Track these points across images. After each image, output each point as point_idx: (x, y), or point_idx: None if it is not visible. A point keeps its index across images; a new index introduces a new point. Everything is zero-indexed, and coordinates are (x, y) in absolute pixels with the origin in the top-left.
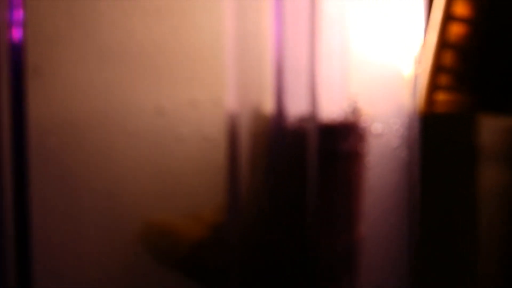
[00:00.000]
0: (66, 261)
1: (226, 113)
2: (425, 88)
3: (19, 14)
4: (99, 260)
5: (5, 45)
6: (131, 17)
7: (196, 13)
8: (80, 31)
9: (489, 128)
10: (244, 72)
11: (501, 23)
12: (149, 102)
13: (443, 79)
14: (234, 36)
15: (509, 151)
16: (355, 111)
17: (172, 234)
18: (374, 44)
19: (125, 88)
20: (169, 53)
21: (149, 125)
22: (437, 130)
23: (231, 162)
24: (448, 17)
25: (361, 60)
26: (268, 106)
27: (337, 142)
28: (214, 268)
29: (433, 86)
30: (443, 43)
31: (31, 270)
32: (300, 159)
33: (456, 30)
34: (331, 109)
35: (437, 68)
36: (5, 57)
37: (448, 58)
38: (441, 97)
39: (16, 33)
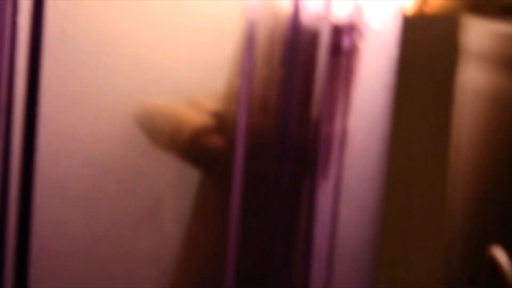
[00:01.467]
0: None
1: (245, 8)
2: None
3: None
4: (96, 139)
5: None
6: None
7: None
8: None
9: (477, 30)
10: None
11: None
12: None
13: None
14: None
15: (496, 55)
16: (357, 10)
17: (175, 118)
18: None
19: None
20: None
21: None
22: (425, 30)
23: (246, 56)
24: None
25: None
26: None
27: (345, 39)
28: (217, 154)
29: None
30: None
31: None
32: (312, 53)
33: None
34: (340, 10)
35: None
36: None
37: None
38: None
39: None
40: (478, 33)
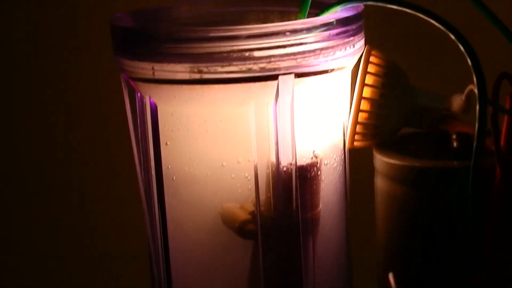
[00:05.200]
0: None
1: (254, 165)
2: (350, 137)
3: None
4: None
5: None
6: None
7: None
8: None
9: (380, 159)
10: (261, 148)
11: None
12: (218, 161)
13: (358, 136)
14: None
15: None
16: (315, 156)
17: (233, 215)
18: (326, 122)
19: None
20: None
21: (218, 172)
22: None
23: (256, 189)
24: (360, 98)
25: (321, 131)
26: (272, 160)
27: (307, 172)
28: (249, 232)
29: (353, 137)
30: (358, 111)
31: None
32: (289, 184)
33: (364, 106)
34: (304, 157)
35: (355, 128)
36: None
37: (362, 119)
38: (357, 143)
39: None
40: (380, 161)
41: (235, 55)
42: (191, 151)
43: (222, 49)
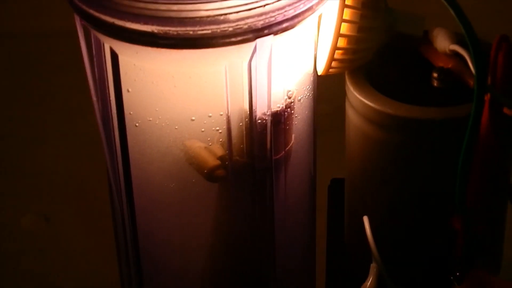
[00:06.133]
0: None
1: (227, 118)
2: (326, 64)
3: None
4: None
5: None
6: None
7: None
8: None
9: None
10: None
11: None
12: (187, 115)
13: (335, 62)
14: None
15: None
16: (289, 97)
17: (200, 159)
18: (298, 61)
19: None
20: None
21: (187, 126)
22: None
23: (228, 136)
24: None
25: (294, 71)
26: (246, 112)
27: (282, 116)
28: (219, 178)
29: (330, 63)
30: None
31: None
32: (264, 133)
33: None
34: (278, 103)
35: (333, 54)
36: None
37: (341, 43)
38: (333, 69)
39: None
40: (354, 96)
41: (208, 18)
42: (157, 104)
43: (195, 13)
